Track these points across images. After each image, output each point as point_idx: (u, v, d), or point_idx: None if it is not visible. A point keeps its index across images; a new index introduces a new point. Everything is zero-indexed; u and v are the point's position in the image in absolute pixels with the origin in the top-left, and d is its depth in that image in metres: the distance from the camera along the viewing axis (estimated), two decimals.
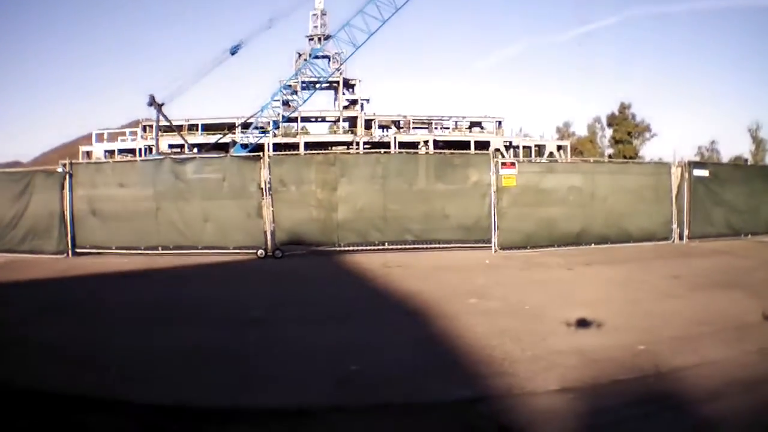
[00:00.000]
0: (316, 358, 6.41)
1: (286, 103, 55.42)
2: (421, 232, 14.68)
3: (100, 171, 16.18)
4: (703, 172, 16.85)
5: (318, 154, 16.54)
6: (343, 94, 68.67)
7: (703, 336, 6.91)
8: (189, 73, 43.18)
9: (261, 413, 4.96)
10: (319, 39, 66.73)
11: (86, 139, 75.25)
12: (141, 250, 14.62)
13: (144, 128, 68.79)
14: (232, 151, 48.48)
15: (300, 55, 68.17)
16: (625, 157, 72.24)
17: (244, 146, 50.90)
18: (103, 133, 71.83)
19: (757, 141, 78.86)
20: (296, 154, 17.75)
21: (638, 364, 5.91)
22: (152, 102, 45.76)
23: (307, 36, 68.43)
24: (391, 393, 5.30)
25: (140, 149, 65.09)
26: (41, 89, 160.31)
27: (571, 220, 15.35)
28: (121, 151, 67.86)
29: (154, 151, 55.20)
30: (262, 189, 14.17)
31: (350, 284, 11.29)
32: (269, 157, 14.40)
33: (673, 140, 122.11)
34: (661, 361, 5.93)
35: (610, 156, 75.68)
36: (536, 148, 62.13)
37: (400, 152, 19.29)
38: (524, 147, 61.85)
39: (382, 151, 19.71)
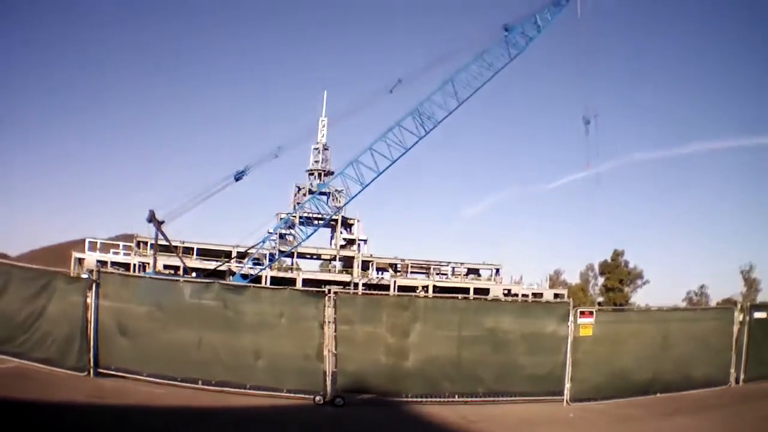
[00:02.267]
0: None
1: (282, 237, 54.89)
2: (494, 382, 13.71)
3: (134, 286, 15.01)
4: (762, 314, 16.87)
5: (391, 296, 15.57)
6: (341, 233, 68.79)
7: None
8: (191, 195, 41.92)
9: None
10: (320, 174, 67.74)
11: (74, 244, 74.36)
12: (177, 381, 13.13)
13: (138, 244, 68.07)
14: (231, 280, 47.25)
15: (299, 189, 68.98)
16: (615, 304, 72.38)
17: (245, 277, 49.75)
18: (96, 242, 70.94)
19: (749, 283, 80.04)
20: (368, 294, 16.71)
21: None
22: (152, 218, 44.99)
23: (307, 170, 69.37)
24: None
25: (134, 265, 64.05)
26: (32, 188, 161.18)
27: (642, 369, 14.85)
28: (114, 264, 66.89)
29: (149, 269, 53.84)
30: (324, 329, 13.05)
31: None
32: (336, 294, 13.37)
33: (664, 286, 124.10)
34: None
35: (599, 304, 76.01)
36: (533, 297, 62.07)
37: (478, 298, 18.50)
38: (522, 296, 61.63)
39: (460, 296, 18.85)
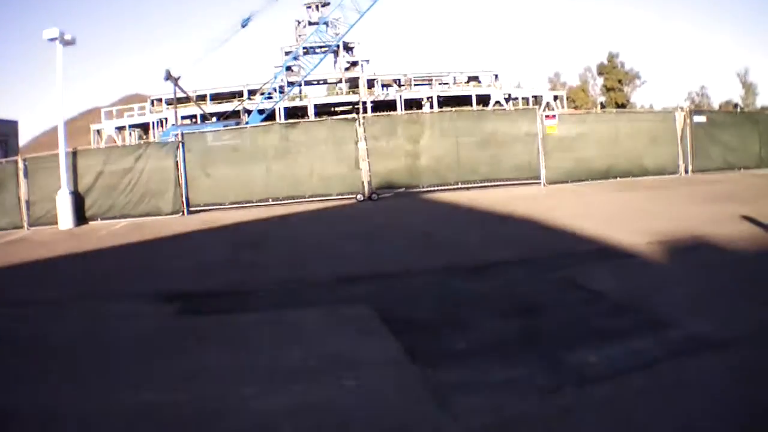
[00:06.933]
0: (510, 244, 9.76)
1: (288, 69, 57.42)
2: (486, 173, 18.31)
3: (209, 137, 18.65)
4: (701, 118, 20.70)
5: (403, 114, 19.75)
6: (343, 56, 70.87)
7: (715, 221, 10.30)
8: (203, 48, 43.29)
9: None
10: (317, 6, 68.77)
11: (80, 118, 76.20)
12: (254, 203, 17.50)
13: (152, 102, 70.63)
14: (247, 117, 50.78)
15: (299, 23, 70.28)
16: (617, 104, 75.59)
17: (261, 112, 53.06)
18: (111, 111, 72.87)
19: (746, 86, 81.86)
20: (387, 114, 20.68)
21: (682, 232, 9.46)
22: (168, 77, 47.53)
23: (305, 4, 70.16)
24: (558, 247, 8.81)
25: (153, 122, 67.08)
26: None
27: (600, 159, 19.11)
28: (131, 126, 69.54)
29: (169, 123, 57.15)
30: (358, 145, 17.36)
31: (459, 210, 14.68)
32: (364, 118, 17.63)
33: (664, 86, 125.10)
34: (697, 231, 9.44)
35: (602, 104, 78.74)
36: (533, 99, 64.85)
37: (469, 110, 22.63)
38: (523, 98, 64.56)
39: (454, 109, 22.92)
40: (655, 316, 5.53)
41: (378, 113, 23.34)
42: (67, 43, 17.57)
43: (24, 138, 72.70)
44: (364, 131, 17.42)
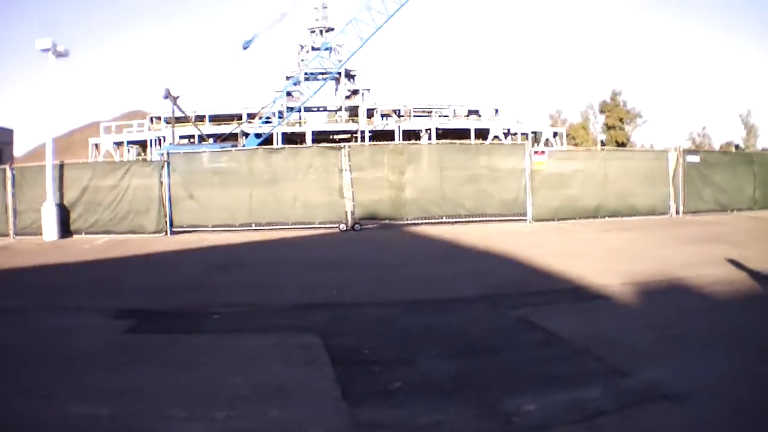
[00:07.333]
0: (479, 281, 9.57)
1: (289, 94, 57.89)
2: (472, 207, 17.99)
3: (195, 159, 18.60)
4: (695, 158, 20.27)
5: (389, 144, 19.62)
6: (345, 84, 71.38)
7: (697, 264, 10.21)
8: (203, 68, 43.76)
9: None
10: (321, 31, 69.64)
11: (79, 131, 76.24)
12: (236, 227, 17.26)
13: (151, 119, 70.74)
14: (245, 140, 50.86)
15: (302, 47, 71.08)
16: (617, 143, 76.10)
17: (258, 136, 53.15)
18: (110, 126, 72.68)
19: (748, 127, 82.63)
20: (373, 144, 20.65)
21: (661, 274, 9.35)
22: (168, 95, 47.71)
23: (309, 29, 71.05)
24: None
25: (150, 140, 67.04)
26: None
27: (589, 197, 18.74)
28: (129, 142, 69.46)
29: (166, 142, 57.26)
30: (342, 173, 17.20)
31: (437, 244, 14.47)
32: (349, 146, 17.50)
33: (666, 126, 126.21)
34: (677, 274, 9.31)
35: (602, 142, 79.18)
36: (533, 135, 64.86)
37: (454, 142, 22.46)
38: (522, 134, 64.59)
39: (441, 141, 22.84)
40: (611, 362, 5.34)
41: (361, 143, 23.27)
42: (60, 55, 17.65)
43: (26, 147, 73.31)
44: (349, 160, 17.24)
